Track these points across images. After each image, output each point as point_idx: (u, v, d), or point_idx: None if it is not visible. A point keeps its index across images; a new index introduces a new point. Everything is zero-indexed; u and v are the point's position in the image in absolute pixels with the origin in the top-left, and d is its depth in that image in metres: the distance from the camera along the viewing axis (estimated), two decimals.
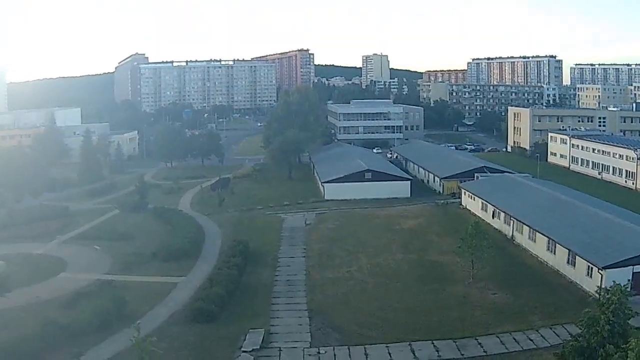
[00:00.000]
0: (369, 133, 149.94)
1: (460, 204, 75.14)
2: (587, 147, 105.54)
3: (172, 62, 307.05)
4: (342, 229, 65.77)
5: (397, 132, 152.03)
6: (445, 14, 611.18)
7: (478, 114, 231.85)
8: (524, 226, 56.27)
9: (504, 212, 61.13)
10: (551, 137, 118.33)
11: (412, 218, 68.92)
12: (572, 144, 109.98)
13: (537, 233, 53.54)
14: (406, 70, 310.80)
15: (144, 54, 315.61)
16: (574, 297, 43.29)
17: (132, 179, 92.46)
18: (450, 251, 54.13)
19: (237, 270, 49.51)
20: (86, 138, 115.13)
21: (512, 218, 59.12)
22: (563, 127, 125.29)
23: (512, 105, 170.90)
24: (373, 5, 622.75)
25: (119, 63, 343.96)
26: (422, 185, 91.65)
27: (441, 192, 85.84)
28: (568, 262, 47.57)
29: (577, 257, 46.03)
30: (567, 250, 47.76)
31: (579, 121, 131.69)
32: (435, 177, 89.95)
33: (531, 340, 37.46)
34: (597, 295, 40.48)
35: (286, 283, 49.18)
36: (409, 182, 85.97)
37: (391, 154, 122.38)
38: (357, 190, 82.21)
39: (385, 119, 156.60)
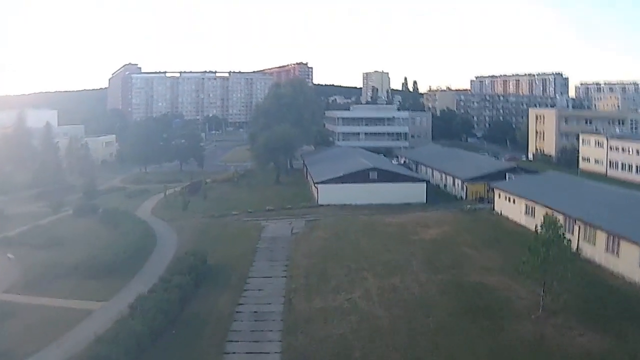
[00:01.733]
0: (371, 140, 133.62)
1: (493, 209, 58.77)
2: (629, 149, 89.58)
3: (164, 72, 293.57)
4: (340, 239, 49.03)
5: (402, 140, 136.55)
6: (448, 28, 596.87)
7: (487, 124, 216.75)
8: (598, 232, 39.65)
9: (562, 214, 44.12)
10: (583, 139, 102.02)
11: (433, 226, 52.13)
12: (611, 146, 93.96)
13: (621, 241, 36.99)
14: (408, 91, 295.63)
15: (136, 64, 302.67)
16: None
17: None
18: (495, 268, 37.89)
19: (180, 295, 32.81)
20: (46, 137, 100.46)
21: (576, 222, 42.38)
22: (596, 129, 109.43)
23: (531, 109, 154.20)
24: (374, 25, 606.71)
25: (112, 74, 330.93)
26: (437, 191, 75.07)
27: (464, 197, 69.57)
28: None
29: None
30: None
31: (609, 124, 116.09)
32: (456, 180, 73.58)
33: None
34: None
35: (253, 316, 32.36)
36: (424, 183, 69.46)
37: (398, 159, 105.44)
38: (359, 194, 65.71)
39: (389, 125, 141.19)
